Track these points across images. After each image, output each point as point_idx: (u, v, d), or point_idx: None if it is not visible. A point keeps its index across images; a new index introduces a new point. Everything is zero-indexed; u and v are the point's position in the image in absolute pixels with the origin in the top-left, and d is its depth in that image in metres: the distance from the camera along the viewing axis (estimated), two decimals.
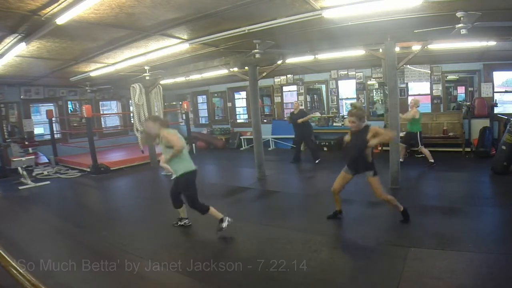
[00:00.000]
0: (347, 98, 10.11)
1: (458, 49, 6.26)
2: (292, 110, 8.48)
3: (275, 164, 7.93)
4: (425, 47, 5.15)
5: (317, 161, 7.68)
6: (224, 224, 3.78)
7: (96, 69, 7.39)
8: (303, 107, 9.68)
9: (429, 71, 8.28)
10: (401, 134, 7.09)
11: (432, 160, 6.59)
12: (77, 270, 3.19)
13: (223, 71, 7.81)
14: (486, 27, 4.61)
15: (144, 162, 8.73)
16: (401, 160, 6.73)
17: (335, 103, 9.94)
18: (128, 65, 6.88)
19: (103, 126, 12.24)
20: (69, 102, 11.01)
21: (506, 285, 2.52)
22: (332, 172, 6.97)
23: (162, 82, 8.57)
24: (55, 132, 10.06)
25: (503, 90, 8.67)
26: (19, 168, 7.15)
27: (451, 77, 8.70)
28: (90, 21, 3.98)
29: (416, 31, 4.79)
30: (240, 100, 12.23)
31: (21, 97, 9.48)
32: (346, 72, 9.57)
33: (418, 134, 6.61)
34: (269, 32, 4.95)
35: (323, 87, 10.52)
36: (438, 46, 5.80)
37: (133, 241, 3.83)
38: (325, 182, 6.33)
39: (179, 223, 4.22)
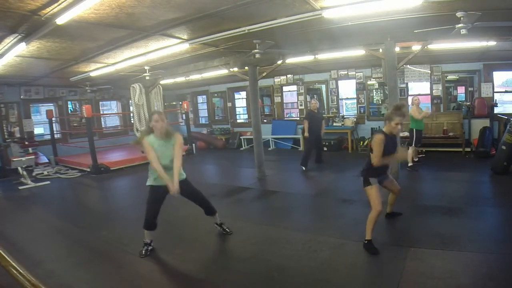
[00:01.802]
0: (347, 98, 10.12)
1: (458, 49, 6.26)
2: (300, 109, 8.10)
3: (275, 164, 7.93)
4: (425, 47, 5.15)
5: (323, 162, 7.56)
6: (224, 228, 3.88)
7: (96, 69, 7.40)
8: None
9: (429, 71, 8.29)
10: (403, 134, 7.11)
11: (411, 164, 6.51)
12: (77, 270, 3.19)
13: (223, 71, 7.81)
14: (486, 27, 4.61)
15: (144, 162, 8.70)
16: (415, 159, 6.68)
17: (335, 103, 9.94)
18: (128, 65, 6.89)
19: (103, 126, 12.24)
20: (69, 102, 11.01)
21: (506, 285, 2.51)
22: (333, 172, 7.03)
23: (162, 82, 8.58)
24: (55, 132, 10.06)
25: (503, 90, 8.67)
26: (19, 168, 7.15)
27: (451, 77, 8.70)
28: (90, 21, 3.99)
29: (416, 31, 4.79)
30: (240, 100, 12.23)
31: (21, 97, 9.48)
32: (346, 72, 9.57)
33: (414, 131, 6.51)
34: (269, 32, 4.96)
35: (323, 87, 10.52)
36: (438, 46, 5.80)
37: (133, 241, 3.82)
38: (326, 182, 6.36)
39: (148, 248, 3.47)
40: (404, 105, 3.33)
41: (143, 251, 3.42)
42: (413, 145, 6.53)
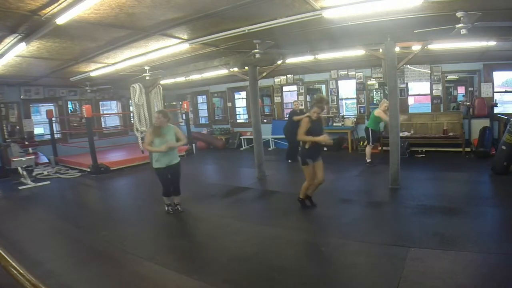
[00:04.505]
0: (347, 98, 10.12)
1: (458, 49, 6.25)
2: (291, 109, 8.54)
3: (275, 164, 7.93)
4: (425, 47, 5.14)
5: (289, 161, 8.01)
6: (179, 207, 4.81)
7: (96, 69, 7.39)
8: (303, 107, 9.78)
9: (429, 71, 8.28)
10: (402, 134, 7.14)
11: (369, 160, 6.97)
12: (77, 270, 3.20)
13: (223, 71, 7.81)
14: (486, 27, 4.60)
15: (144, 162, 8.72)
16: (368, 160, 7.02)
17: (335, 103, 9.94)
18: (128, 65, 6.88)
19: (103, 126, 12.24)
20: (69, 102, 11.00)
21: (506, 285, 2.51)
22: (332, 172, 6.98)
23: (162, 82, 8.57)
24: (55, 132, 10.06)
25: (503, 90, 8.68)
26: (19, 168, 7.15)
27: (451, 77, 8.70)
28: (90, 21, 3.98)
29: (416, 31, 4.79)
30: (240, 100, 12.23)
31: (21, 97, 9.47)
32: (346, 72, 9.57)
33: (370, 131, 6.97)
34: (269, 32, 4.95)
35: (323, 87, 10.52)
36: (438, 46, 5.79)
37: (133, 241, 3.83)
38: (325, 182, 6.29)
39: (169, 207, 4.76)
40: (325, 100, 4.40)
41: (169, 209, 4.70)
42: (370, 143, 7.01)
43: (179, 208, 4.78)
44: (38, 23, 3.90)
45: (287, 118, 10.03)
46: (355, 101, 9.74)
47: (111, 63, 6.92)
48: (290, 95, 10.97)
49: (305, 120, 4.13)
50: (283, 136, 10.27)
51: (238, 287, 2.82)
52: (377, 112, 6.75)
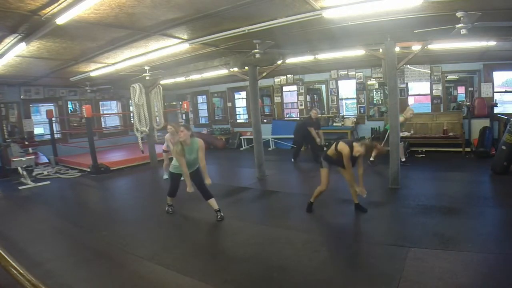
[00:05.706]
0: (347, 98, 10.12)
1: (458, 49, 6.25)
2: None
3: (275, 164, 7.93)
4: (425, 47, 5.15)
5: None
6: (219, 215, 4.33)
7: (96, 69, 7.39)
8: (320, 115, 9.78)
9: (429, 71, 8.28)
10: (402, 135, 7.14)
11: (372, 159, 6.91)
12: (77, 270, 3.20)
13: (223, 71, 7.81)
14: (486, 27, 4.60)
15: (144, 162, 8.73)
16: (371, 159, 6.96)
17: (335, 103, 9.94)
18: (128, 65, 6.88)
19: (103, 126, 12.24)
20: (69, 102, 11.00)
21: (506, 285, 2.52)
22: (333, 172, 6.98)
23: (162, 82, 8.57)
24: (55, 132, 10.06)
25: (503, 90, 8.68)
26: (19, 168, 7.15)
27: (451, 77, 8.70)
28: (90, 21, 3.99)
29: (416, 31, 4.79)
30: (240, 100, 12.23)
31: (21, 97, 9.47)
32: (346, 72, 9.57)
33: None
34: (269, 32, 4.95)
35: (323, 87, 10.52)
36: (438, 46, 5.79)
37: (133, 241, 3.83)
38: None
39: (171, 208, 4.76)
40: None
41: (169, 210, 4.72)
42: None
43: (219, 216, 4.31)
44: (38, 23, 3.90)
45: (299, 119, 10.03)
46: (355, 101, 9.74)
47: (111, 63, 6.92)
48: (290, 95, 10.98)
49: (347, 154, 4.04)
50: (284, 136, 10.35)
51: (238, 287, 2.82)
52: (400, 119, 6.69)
